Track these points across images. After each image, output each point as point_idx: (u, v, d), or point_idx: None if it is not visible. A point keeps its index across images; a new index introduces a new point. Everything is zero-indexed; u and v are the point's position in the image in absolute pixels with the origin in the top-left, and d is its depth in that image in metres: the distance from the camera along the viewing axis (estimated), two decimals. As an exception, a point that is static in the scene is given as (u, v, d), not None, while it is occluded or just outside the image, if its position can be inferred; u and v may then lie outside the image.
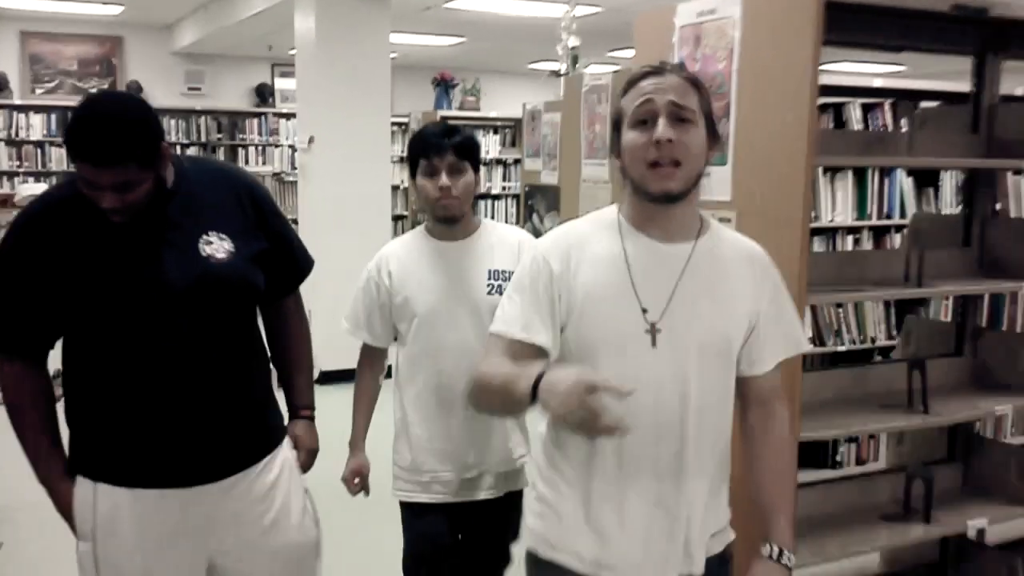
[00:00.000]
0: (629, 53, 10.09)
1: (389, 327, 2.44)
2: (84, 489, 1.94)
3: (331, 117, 6.64)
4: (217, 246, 1.92)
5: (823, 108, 4.51)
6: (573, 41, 6.37)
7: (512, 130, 8.23)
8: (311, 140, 6.74)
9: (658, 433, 1.65)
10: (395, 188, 8.74)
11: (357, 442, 2.48)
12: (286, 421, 2.18)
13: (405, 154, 7.51)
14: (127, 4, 9.18)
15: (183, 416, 1.91)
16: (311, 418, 2.21)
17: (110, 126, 1.73)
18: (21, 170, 10.16)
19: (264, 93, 11.45)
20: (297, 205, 7.48)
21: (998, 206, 2.86)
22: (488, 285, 2.38)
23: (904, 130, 3.94)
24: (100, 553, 1.93)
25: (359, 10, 6.62)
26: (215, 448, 1.96)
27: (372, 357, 2.51)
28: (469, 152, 2.37)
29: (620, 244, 1.68)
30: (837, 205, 4.55)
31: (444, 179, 2.32)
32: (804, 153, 2.14)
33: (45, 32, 10.28)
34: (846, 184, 4.56)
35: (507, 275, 2.28)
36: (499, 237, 2.47)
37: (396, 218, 8.82)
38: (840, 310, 4.60)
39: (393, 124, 7.37)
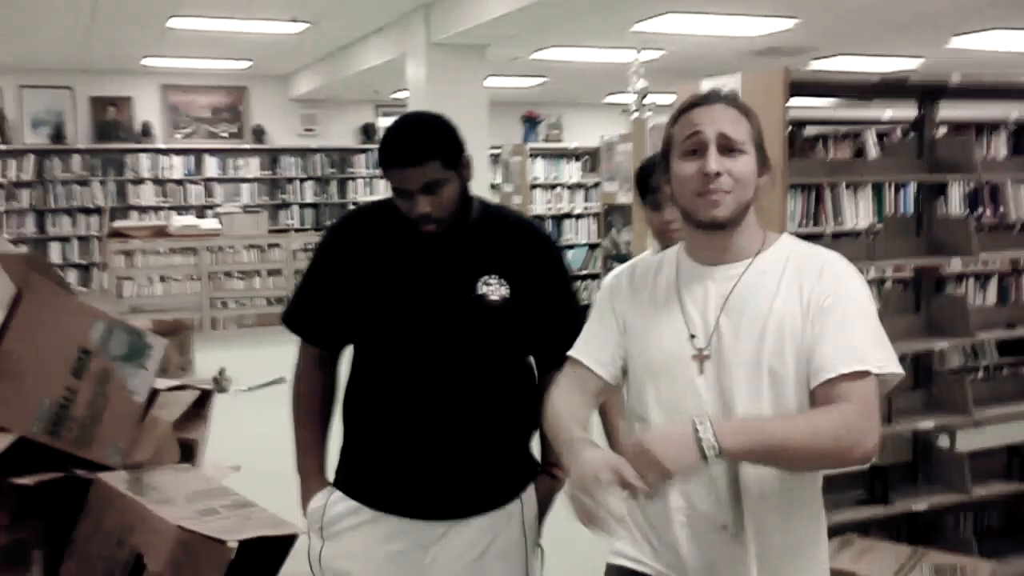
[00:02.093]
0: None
1: None
2: (324, 496, 2.06)
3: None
4: (494, 288, 1.95)
5: (843, 137, 5.55)
6: (641, 84, 7.48)
7: (591, 158, 9.37)
8: (423, 172, 8.00)
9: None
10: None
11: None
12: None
13: (499, 179, 8.63)
14: (254, 59, 10.64)
15: (429, 443, 1.96)
16: (556, 476, 2.07)
17: (413, 129, 1.91)
18: (165, 205, 11.71)
19: (369, 131, 12.88)
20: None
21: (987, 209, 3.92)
22: None
23: (873, 155, 5.02)
24: (325, 554, 2.03)
25: (460, 60, 7.85)
26: (454, 482, 1.97)
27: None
28: None
29: (675, 270, 1.70)
30: (859, 212, 5.61)
31: (670, 213, 2.30)
32: (781, 173, 3.24)
33: (182, 85, 11.84)
34: (867, 195, 5.61)
35: None
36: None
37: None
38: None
39: (489, 155, 8.62)
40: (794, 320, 1.58)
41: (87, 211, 11.50)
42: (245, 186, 12.20)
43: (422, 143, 1.87)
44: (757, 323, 1.59)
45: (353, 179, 12.71)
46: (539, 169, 8.96)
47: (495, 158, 9.89)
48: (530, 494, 2.07)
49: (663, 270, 1.73)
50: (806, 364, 1.56)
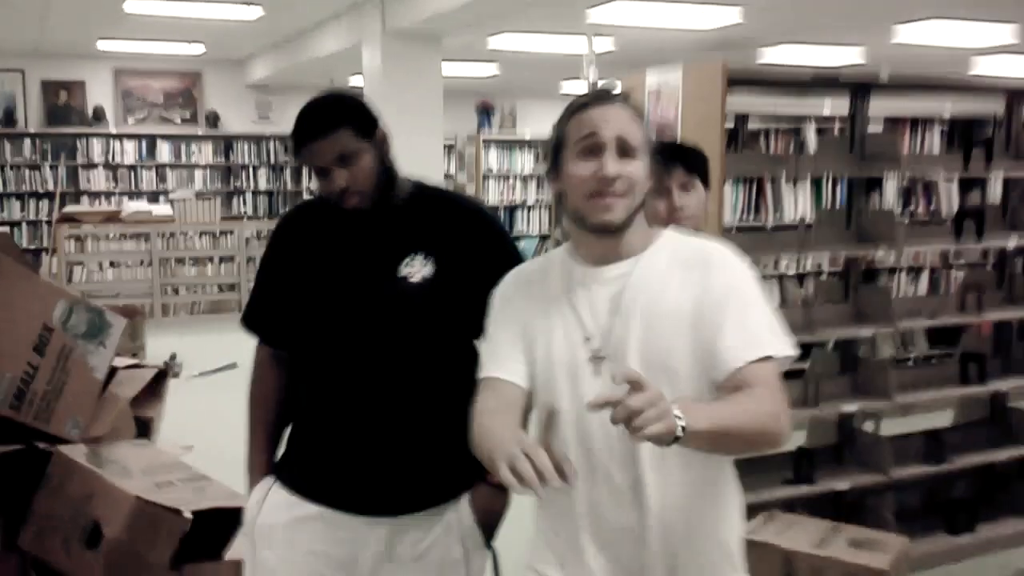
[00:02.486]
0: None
1: None
2: (259, 490, 2.02)
3: (395, 139, 7.96)
4: (416, 269, 1.91)
5: (785, 132, 5.75)
6: (594, 74, 7.62)
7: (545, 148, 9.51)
8: (377, 160, 8.08)
9: (611, 460, 1.59)
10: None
11: None
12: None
13: (453, 170, 8.71)
14: (207, 43, 10.59)
15: (360, 435, 1.92)
16: (496, 486, 1.92)
17: (321, 103, 1.89)
18: (116, 191, 11.63)
19: (324, 118, 12.89)
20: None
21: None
22: None
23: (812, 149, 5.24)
24: (254, 554, 2.01)
25: (415, 48, 7.92)
26: (393, 475, 1.92)
27: None
28: (700, 165, 2.37)
29: (563, 273, 1.68)
30: (799, 205, 5.81)
31: (678, 199, 2.31)
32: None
33: (135, 69, 11.75)
34: (806, 189, 5.82)
35: None
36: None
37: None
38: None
39: (444, 145, 8.71)
40: (687, 315, 1.58)
41: (37, 196, 11.38)
42: (199, 172, 12.14)
43: (330, 114, 1.85)
44: (649, 320, 1.59)
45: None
46: (492, 159, 9.10)
47: (449, 148, 9.99)
48: (465, 500, 1.98)
49: (551, 273, 1.70)
50: (704, 358, 1.57)
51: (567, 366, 1.62)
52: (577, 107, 1.62)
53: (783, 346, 1.59)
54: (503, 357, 1.68)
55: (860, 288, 3.93)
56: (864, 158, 3.79)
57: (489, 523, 1.99)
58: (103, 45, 10.54)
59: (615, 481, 1.59)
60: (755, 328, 1.58)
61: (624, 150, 1.58)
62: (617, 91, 1.69)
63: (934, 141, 5.66)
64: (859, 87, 3.69)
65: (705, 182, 2.37)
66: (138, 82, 11.93)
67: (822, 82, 3.52)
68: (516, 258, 1.95)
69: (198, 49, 10.89)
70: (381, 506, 1.91)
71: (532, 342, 1.66)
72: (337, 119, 1.84)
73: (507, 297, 1.74)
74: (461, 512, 1.97)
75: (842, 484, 3.64)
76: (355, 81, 10.72)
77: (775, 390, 1.54)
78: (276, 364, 2.08)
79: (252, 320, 2.10)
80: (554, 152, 1.64)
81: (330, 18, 8.89)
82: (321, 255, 1.97)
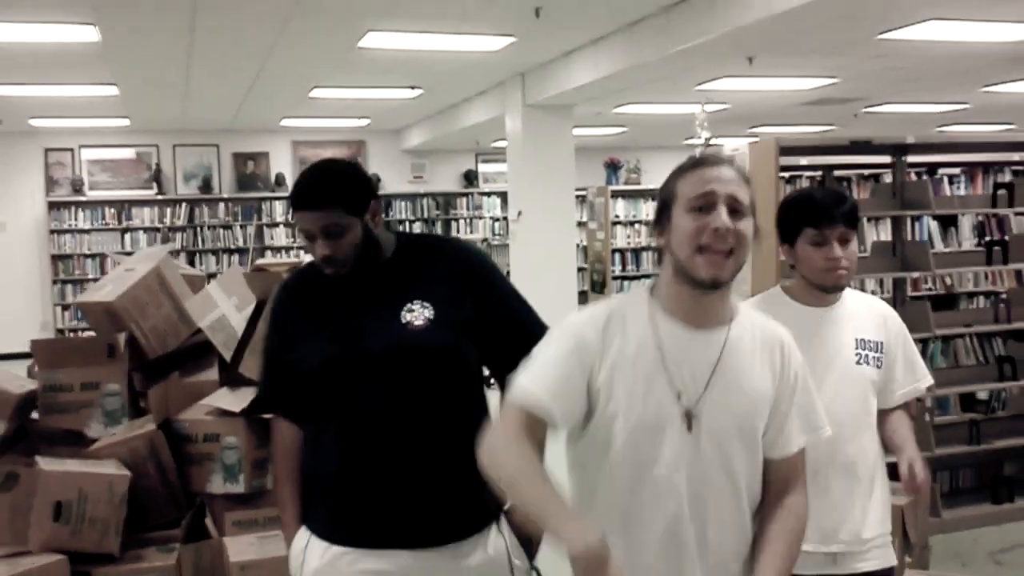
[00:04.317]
0: (761, 130, 12.49)
1: None
2: (300, 540, 2.06)
3: (532, 195, 9.34)
4: (418, 313, 1.96)
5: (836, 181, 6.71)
6: (706, 133, 8.77)
7: (666, 197, 10.63)
8: (520, 213, 9.46)
9: (680, 513, 1.64)
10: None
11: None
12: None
13: (584, 218, 9.89)
14: (372, 117, 12.28)
15: (383, 479, 1.96)
16: None
17: (318, 175, 1.97)
18: (295, 245, 13.42)
19: (470, 177, 14.48)
20: (508, 263, 10.19)
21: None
22: (856, 354, 2.34)
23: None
24: None
25: (551, 117, 9.25)
26: (416, 513, 1.96)
27: None
28: (856, 219, 2.34)
29: (653, 327, 1.67)
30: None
31: (837, 250, 2.28)
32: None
33: (310, 140, 13.58)
34: (887, 228, 6.78)
35: (873, 344, 2.35)
36: (866, 305, 2.44)
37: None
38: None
39: (576, 196, 10.03)
40: (767, 393, 1.70)
41: (230, 251, 13.30)
42: (362, 227, 13.84)
43: (324, 190, 1.94)
44: (741, 390, 1.66)
45: (456, 219, 14.30)
46: (620, 208, 10.31)
47: (581, 199, 11.29)
48: (505, 528, 2.05)
49: (635, 323, 1.69)
50: (767, 434, 1.71)
51: (655, 417, 1.63)
52: (689, 167, 1.69)
53: (825, 429, 1.79)
54: (553, 389, 1.65)
55: (907, 303, 4.97)
56: (904, 201, 4.86)
57: (531, 540, 2.07)
58: (285, 122, 12.39)
59: (683, 537, 1.66)
60: (807, 417, 1.76)
61: (734, 209, 1.62)
62: (727, 156, 1.82)
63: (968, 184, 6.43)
64: (895, 147, 4.78)
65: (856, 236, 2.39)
66: (312, 151, 13.72)
67: (859, 146, 4.61)
68: (505, 284, 2.15)
69: (364, 122, 12.62)
70: (415, 540, 1.97)
71: (609, 390, 1.64)
72: (329, 196, 1.94)
73: (585, 331, 1.69)
74: (502, 533, 2.04)
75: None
76: (497, 144, 12.21)
77: (804, 479, 1.77)
78: (297, 435, 2.14)
79: (270, 401, 2.21)
80: (662, 208, 1.69)
81: (478, 94, 10.39)
82: (324, 317, 2.04)
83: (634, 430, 1.64)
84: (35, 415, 4.10)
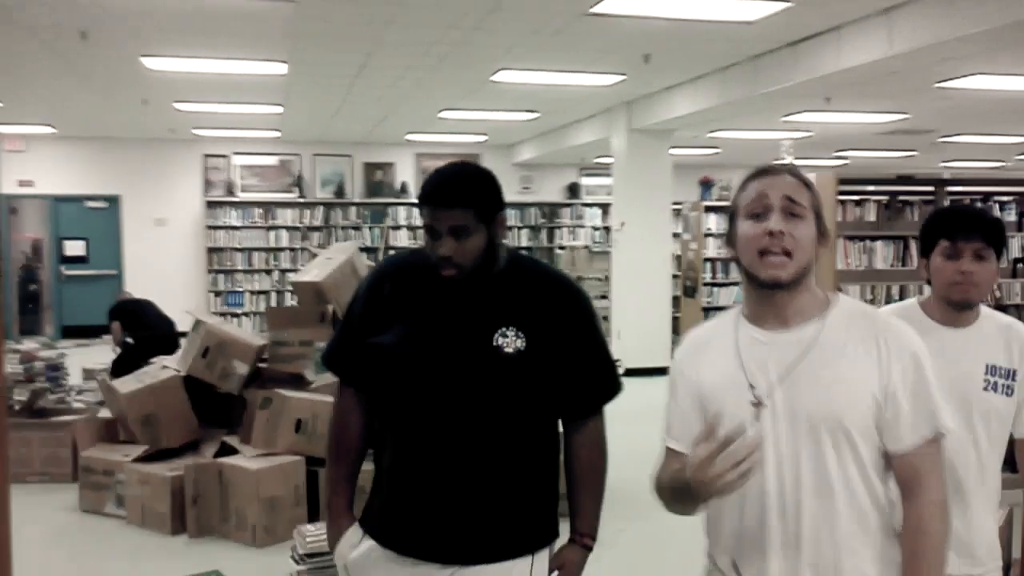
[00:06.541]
0: (847, 154, 13.55)
1: None
2: (353, 535, 2.10)
3: (635, 207, 10.62)
4: (510, 340, 1.96)
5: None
6: (789, 159, 9.90)
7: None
8: (622, 224, 10.75)
9: (764, 506, 1.67)
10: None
11: None
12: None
13: (680, 230, 11.11)
14: (489, 134, 13.70)
15: (426, 487, 1.97)
16: (587, 547, 2.10)
17: (455, 175, 1.97)
18: (415, 246, 14.93)
19: (574, 189, 15.85)
20: (609, 269, 11.47)
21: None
22: (985, 380, 2.25)
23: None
24: None
25: (652, 139, 10.53)
26: (449, 528, 1.97)
27: None
28: (997, 238, 2.25)
29: (734, 335, 1.75)
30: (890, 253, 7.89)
31: (968, 264, 2.21)
32: (834, 231, 5.67)
33: (431, 153, 15.10)
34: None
35: (1005, 372, 2.25)
36: (997, 326, 2.32)
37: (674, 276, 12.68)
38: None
39: (672, 210, 11.28)
40: (868, 387, 1.65)
41: (361, 250, 14.85)
42: (475, 232, 15.30)
43: (458, 189, 1.93)
44: (828, 385, 1.64)
45: (559, 228, 15.68)
46: (712, 222, 11.45)
47: (677, 212, 12.50)
48: (543, 556, 2.06)
49: (722, 334, 1.78)
50: (883, 428, 1.66)
51: (731, 408, 1.68)
52: (748, 178, 1.75)
53: (948, 426, 1.69)
54: (676, 428, 1.80)
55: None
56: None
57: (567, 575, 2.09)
58: (410, 137, 13.93)
59: (770, 531, 1.68)
60: (927, 408, 1.67)
61: (791, 211, 1.66)
62: (788, 165, 1.79)
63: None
64: (934, 181, 5.94)
65: (999, 254, 2.28)
66: (432, 163, 15.17)
67: (904, 179, 5.75)
68: (598, 334, 2.11)
69: (482, 138, 14.09)
70: (460, 556, 1.99)
71: (708, 404, 1.73)
72: (465, 197, 1.92)
73: (682, 366, 1.82)
74: (536, 562, 2.04)
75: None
76: (599, 160, 13.51)
77: (939, 475, 1.68)
78: (356, 406, 2.15)
79: (334, 361, 2.18)
80: (730, 221, 1.76)
81: (587, 118, 11.74)
82: (417, 312, 2.02)
83: (707, 415, 1.70)
84: (262, 365, 5.64)
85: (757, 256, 1.67)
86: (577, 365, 2.04)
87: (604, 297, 11.39)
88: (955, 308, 2.28)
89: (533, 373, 1.98)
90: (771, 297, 1.70)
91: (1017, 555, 3.07)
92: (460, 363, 1.97)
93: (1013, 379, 2.27)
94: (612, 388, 2.11)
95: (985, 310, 2.35)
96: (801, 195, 1.69)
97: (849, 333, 1.70)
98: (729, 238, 1.77)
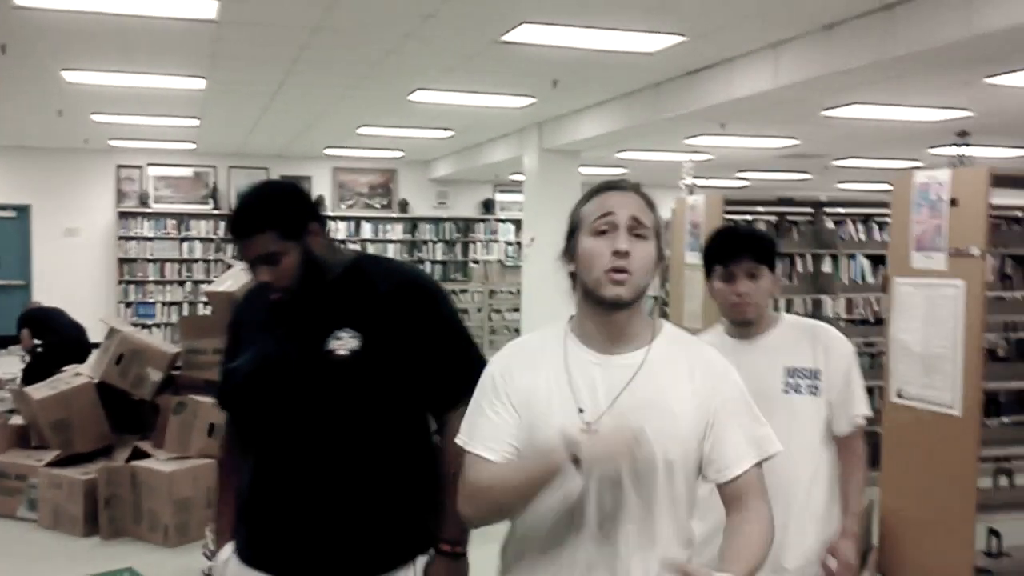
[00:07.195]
0: (747, 175, 14.21)
1: None
2: (224, 552, 2.09)
3: (545, 222, 10.95)
4: (343, 342, 1.91)
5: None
6: (689, 179, 10.39)
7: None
8: (532, 239, 11.12)
9: (586, 532, 1.64)
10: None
11: None
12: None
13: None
14: (406, 150, 13.96)
15: (286, 506, 1.93)
16: (452, 555, 1.99)
17: (249, 203, 1.93)
18: (331, 259, 15.11)
19: (488, 205, 16.23)
20: (520, 282, 11.81)
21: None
22: (785, 383, 2.33)
23: None
24: None
25: (562, 159, 10.91)
26: (318, 545, 1.92)
27: None
28: (766, 254, 2.32)
29: (563, 353, 1.70)
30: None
31: (742, 285, 2.29)
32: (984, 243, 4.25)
33: (348, 167, 15.30)
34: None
35: (807, 372, 2.33)
36: (801, 330, 2.41)
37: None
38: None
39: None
40: (692, 416, 1.66)
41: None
42: (391, 246, 15.57)
43: (255, 216, 1.89)
44: (652, 414, 1.62)
45: (474, 242, 16.02)
46: (618, 239, 11.94)
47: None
48: (421, 564, 1.99)
49: (550, 350, 1.73)
50: (707, 457, 1.67)
51: (558, 428, 1.61)
52: (593, 192, 1.73)
53: (773, 447, 1.71)
54: (490, 437, 1.70)
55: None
56: (820, 242, 6.50)
57: None
58: (328, 151, 14.10)
59: (597, 539, 1.65)
60: (751, 436, 1.69)
61: (636, 231, 1.66)
62: (633, 182, 1.76)
63: None
64: (813, 203, 6.44)
65: (772, 268, 2.33)
66: (349, 177, 15.49)
67: (785, 202, 6.22)
68: (453, 326, 2.06)
69: (398, 154, 14.35)
70: (315, 571, 1.93)
71: (532, 420, 1.68)
72: (262, 222, 1.88)
73: (504, 373, 1.74)
74: (418, 571, 1.99)
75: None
76: (513, 177, 13.90)
77: (764, 495, 1.69)
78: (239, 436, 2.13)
79: (220, 402, 2.16)
80: (570, 235, 1.72)
81: (501, 137, 12.11)
82: (260, 334, 2.03)
83: (543, 444, 1.63)
84: (175, 372, 5.81)
85: (603, 274, 1.65)
86: (428, 359, 1.99)
87: (516, 310, 11.73)
88: (739, 325, 2.41)
89: (370, 372, 1.94)
90: (608, 315, 1.69)
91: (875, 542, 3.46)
92: (294, 373, 1.95)
93: (817, 378, 2.35)
94: (472, 382, 1.86)
95: (788, 317, 2.47)
96: (646, 216, 1.69)
97: (676, 360, 1.71)
98: (567, 253, 1.73)
